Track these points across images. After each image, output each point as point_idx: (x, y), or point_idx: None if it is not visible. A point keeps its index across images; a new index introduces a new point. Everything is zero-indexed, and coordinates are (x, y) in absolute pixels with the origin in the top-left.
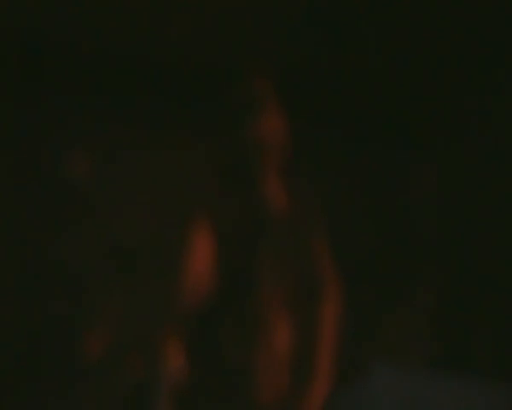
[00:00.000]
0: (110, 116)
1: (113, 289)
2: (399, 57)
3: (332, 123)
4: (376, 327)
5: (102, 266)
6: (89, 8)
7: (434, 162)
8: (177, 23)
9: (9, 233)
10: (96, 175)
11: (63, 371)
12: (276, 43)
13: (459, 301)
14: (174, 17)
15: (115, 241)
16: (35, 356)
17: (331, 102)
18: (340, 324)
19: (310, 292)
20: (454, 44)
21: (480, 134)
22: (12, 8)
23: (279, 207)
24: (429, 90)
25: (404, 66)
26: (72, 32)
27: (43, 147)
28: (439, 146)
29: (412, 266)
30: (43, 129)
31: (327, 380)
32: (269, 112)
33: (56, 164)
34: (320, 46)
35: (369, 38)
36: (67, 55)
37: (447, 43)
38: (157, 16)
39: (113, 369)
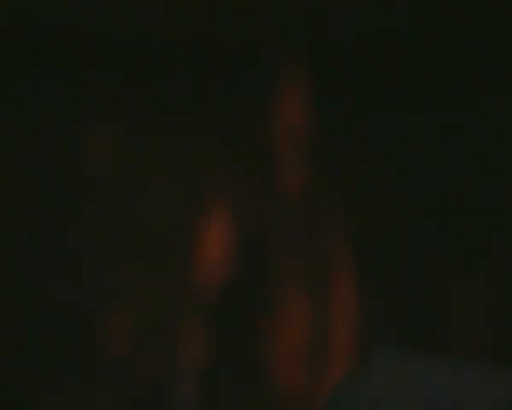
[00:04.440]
0: (119, 103)
1: (130, 276)
2: (400, 54)
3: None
4: (443, 302)
5: (118, 252)
6: None
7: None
8: (190, 10)
9: (22, 221)
10: (108, 163)
11: (81, 359)
12: (295, 27)
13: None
14: (187, 4)
15: (133, 228)
16: (48, 345)
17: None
18: (355, 306)
19: (324, 275)
20: (454, 44)
21: (481, 131)
22: None
23: (295, 193)
24: (429, 87)
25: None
26: (75, 21)
27: (52, 135)
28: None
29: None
30: (45, 116)
31: (343, 363)
32: (292, 95)
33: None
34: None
35: (369, 40)
36: (70, 44)
37: (447, 42)
38: (168, 2)
39: (134, 357)
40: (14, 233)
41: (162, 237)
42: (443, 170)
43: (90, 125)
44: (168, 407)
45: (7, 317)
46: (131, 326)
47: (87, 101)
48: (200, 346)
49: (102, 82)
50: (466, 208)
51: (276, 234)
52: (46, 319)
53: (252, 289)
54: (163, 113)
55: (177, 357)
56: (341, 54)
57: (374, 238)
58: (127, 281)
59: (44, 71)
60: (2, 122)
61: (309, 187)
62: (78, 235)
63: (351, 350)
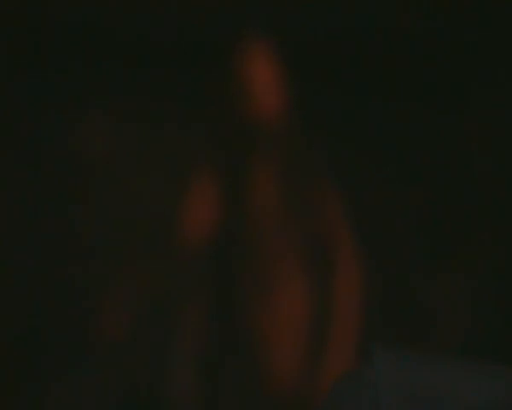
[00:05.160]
0: (112, 90)
1: (126, 264)
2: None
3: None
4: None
5: (114, 240)
6: None
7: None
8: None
9: (20, 219)
10: (102, 149)
11: (77, 348)
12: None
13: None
14: None
15: (125, 214)
16: (48, 337)
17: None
18: (360, 290)
19: (323, 257)
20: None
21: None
22: None
23: (285, 171)
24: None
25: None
26: (73, 7)
27: (47, 122)
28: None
29: (469, 233)
30: (45, 106)
31: (345, 350)
32: (267, 83)
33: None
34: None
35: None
36: (66, 37)
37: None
38: None
39: (130, 345)
40: (11, 233)
41: (158, 225)
42: (438, 169)
43: (87, 119)
44: (167, 396)
45: (7, 311)
46: (130, 314)
47: (83, 93)
48: (198, 333)
49: (99, 74)
50: (461, 207)
51: (270, 220)
52: (45, 312)
53: (243, 275)
54: (155, 100)
55: (175, 345)
56: (341, 49)
57: (371, 236)
58: (125, 272)
59: (44, 59)
60: (2, 119)
61: (303, 179)
62: (76, 225)
63: (351, 346)
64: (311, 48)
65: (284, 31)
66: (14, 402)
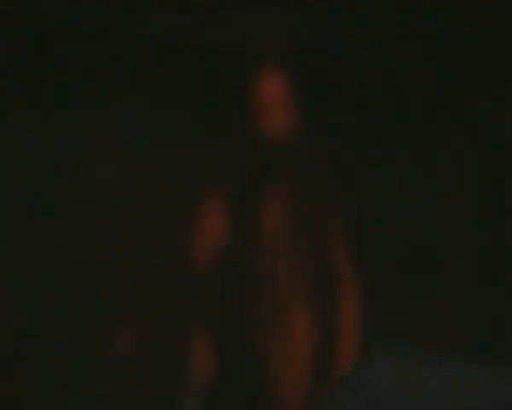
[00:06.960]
0: (125, 117)
1: (138, 287)
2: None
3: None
4: (407, 314)
5: (128, 263)
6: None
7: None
8: (188, 11)
9: (23, 229)
10: (115, 176)
11: (88, 369)
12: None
13: (491, 291)
14: (185, 5)
15: (138, 240)
16: (50, 356)
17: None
18: (359, 318)
19: (328, 289)
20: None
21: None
22: None
23: (296, 202)
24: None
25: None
26: (73, 7)
27: (59, 146)
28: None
29: (444, 256)
30: (45, 107)
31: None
32: (279, 104)
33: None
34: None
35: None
36: (71, 43)
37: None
38: (167, 3)
39: (139, 366)
40: (12, 242)
41: (162, 243)
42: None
43: (90, 132)
44: None
45: (8, 325)
46: (134, 335)
47: (83, 93)
48: (204, 355)
49: (99, 74)
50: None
51: (276, 243)
52: (47, 330)
53: (253, 301)
54: (161, 119)
55: (181, 366)
56: (340, 51)
57: (370, 236)
58: (130, 290)
59: (44, 71)
60: (2, 119)
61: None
62: (79, 241)
63: (353, 357)
64: (312, 54)
65: (285, 38)
66: None
